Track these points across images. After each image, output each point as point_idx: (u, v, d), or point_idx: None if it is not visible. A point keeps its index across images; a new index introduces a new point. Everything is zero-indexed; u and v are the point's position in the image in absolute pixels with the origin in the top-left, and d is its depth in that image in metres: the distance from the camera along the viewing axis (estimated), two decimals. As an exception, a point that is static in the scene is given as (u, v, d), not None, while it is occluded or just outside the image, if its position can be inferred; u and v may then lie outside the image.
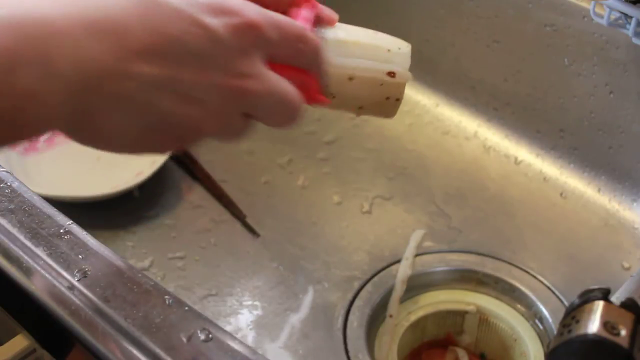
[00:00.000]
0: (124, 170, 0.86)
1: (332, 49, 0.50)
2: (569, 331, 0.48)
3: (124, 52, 0.38)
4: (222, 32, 0.41)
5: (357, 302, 0.77)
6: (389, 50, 0.52)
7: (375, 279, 0.80)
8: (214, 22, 0.41)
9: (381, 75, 0.51)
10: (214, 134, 0.45)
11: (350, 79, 0.51)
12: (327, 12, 0.52)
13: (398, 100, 0.52)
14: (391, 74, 0.51)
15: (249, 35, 0.43)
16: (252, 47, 0.43)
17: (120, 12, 0.38)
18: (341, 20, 0.53)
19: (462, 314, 0.79)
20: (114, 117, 0.40)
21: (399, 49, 0.52)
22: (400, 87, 0.52)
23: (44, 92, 0.36)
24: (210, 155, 0.92)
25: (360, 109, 0.53)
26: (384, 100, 0.52)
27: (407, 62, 0.52)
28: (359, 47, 0.51)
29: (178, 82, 0.40)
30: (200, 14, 0.41)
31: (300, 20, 0.49)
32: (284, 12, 0.49)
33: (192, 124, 0.43)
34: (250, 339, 0.75)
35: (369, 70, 0.51)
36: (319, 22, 0.51)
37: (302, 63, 0.48)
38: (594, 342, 0.46)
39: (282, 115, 0.46)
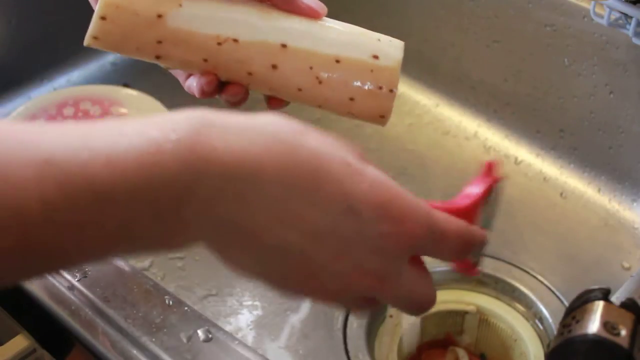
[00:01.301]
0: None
1: (319, 34, 0.49)
2: (569, 331, 0.48)
3: (275, 218, 0.38)
4: (371, 232, 0.41)
5: (357, 302, 0.77)
6: (379, 40, 0.50)
7: (375, 279, 0.80)
8: (371, 222, 0.40)
9: (368, 57, 0.49)
10: (324, 303, 0.45)
11: (337, 61, 0.49)
12: (312, 4, 0.50)
13: (392, 92, 0.50)
14: (375, 57, 0.49)
15: (400, 244, 0.42)
16: (400, 253, 0.42)
17: (293, 179, 0.39)
18: (342, 21, 0.53)
19: (462, 314, 0.79)
20: (240, 256, 0.40)
21: (390, 41, 0.51)
22: (393, 74, 0.50)
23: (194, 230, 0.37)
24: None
25: (351, 101, 0.50)
26: (377, 90, 0.50)
27: (399, 51, 0.50)
28: (349, 33, 0.50)
29: (309, 258, 0.40)
30: (361, 208, 0.40)
31: (468, 202, 0.50)
32: None
33: (303, 291, 0.43)
34: (250, 339, 0.75)
35: (357, 52, 0.49)
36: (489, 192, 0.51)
37: (457, 258, 0.47)
38: (594, 342, 0.46)
39: (405, 310, 0.47)
